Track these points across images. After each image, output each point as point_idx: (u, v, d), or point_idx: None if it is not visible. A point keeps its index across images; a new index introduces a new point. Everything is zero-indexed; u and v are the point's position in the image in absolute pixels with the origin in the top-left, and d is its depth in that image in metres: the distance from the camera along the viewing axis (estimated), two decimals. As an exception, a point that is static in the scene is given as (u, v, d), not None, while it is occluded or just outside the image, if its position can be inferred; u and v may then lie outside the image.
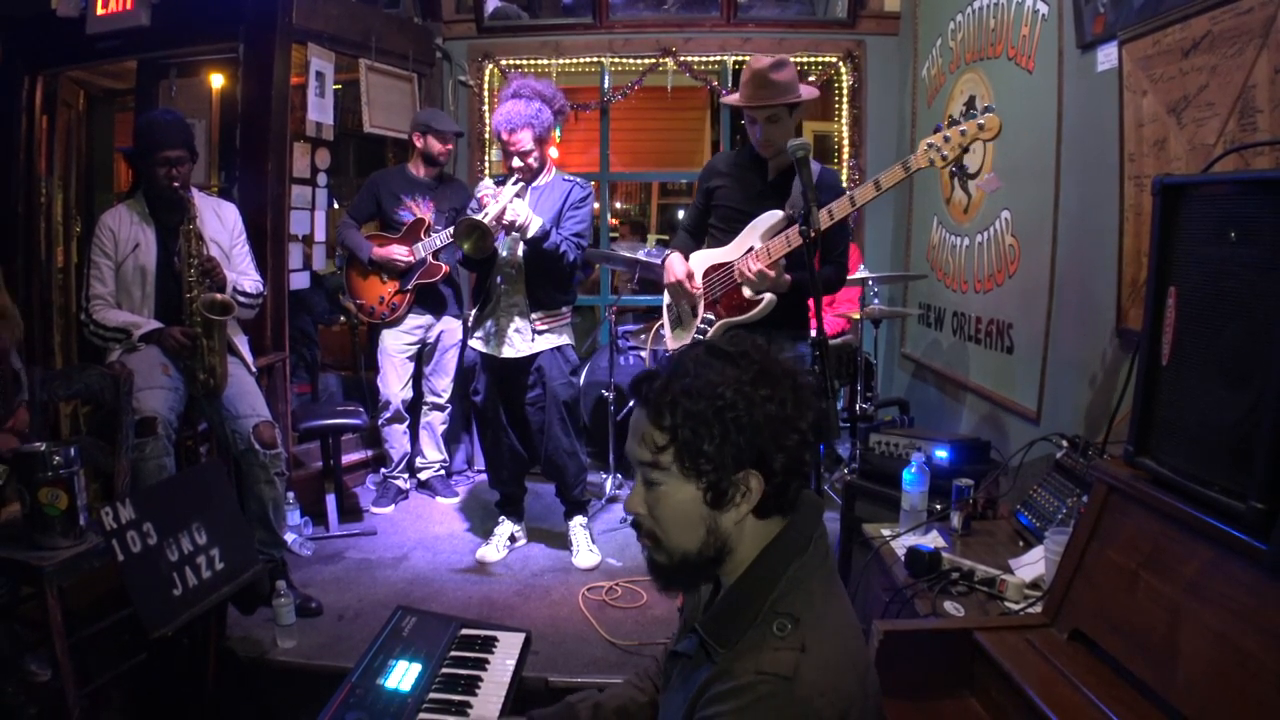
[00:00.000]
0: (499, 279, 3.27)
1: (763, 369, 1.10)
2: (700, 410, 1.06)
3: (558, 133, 3.29)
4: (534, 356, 3.27)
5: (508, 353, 3.27)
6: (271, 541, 2.99)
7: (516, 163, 3.15)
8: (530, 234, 3.06)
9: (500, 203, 3.04)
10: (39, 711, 2.29)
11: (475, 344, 3.36)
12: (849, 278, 3.76)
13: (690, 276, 2.90)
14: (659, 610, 3.01)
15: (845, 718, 1.02)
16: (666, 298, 3.03)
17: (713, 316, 2.87)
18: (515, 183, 3.15)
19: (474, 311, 3.37)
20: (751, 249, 2.75)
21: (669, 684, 1.21)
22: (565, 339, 3.35)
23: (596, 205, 3.68)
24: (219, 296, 2.89)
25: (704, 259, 2.93)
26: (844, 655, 1.07)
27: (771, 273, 2.67)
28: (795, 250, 2.65)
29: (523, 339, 3.26)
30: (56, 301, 4.44)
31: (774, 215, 2.75)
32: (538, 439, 3.35)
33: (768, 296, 2.75)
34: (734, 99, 2.81)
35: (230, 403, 2.92)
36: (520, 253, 3.20)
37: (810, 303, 3.05)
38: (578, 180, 3.30)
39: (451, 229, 3.80)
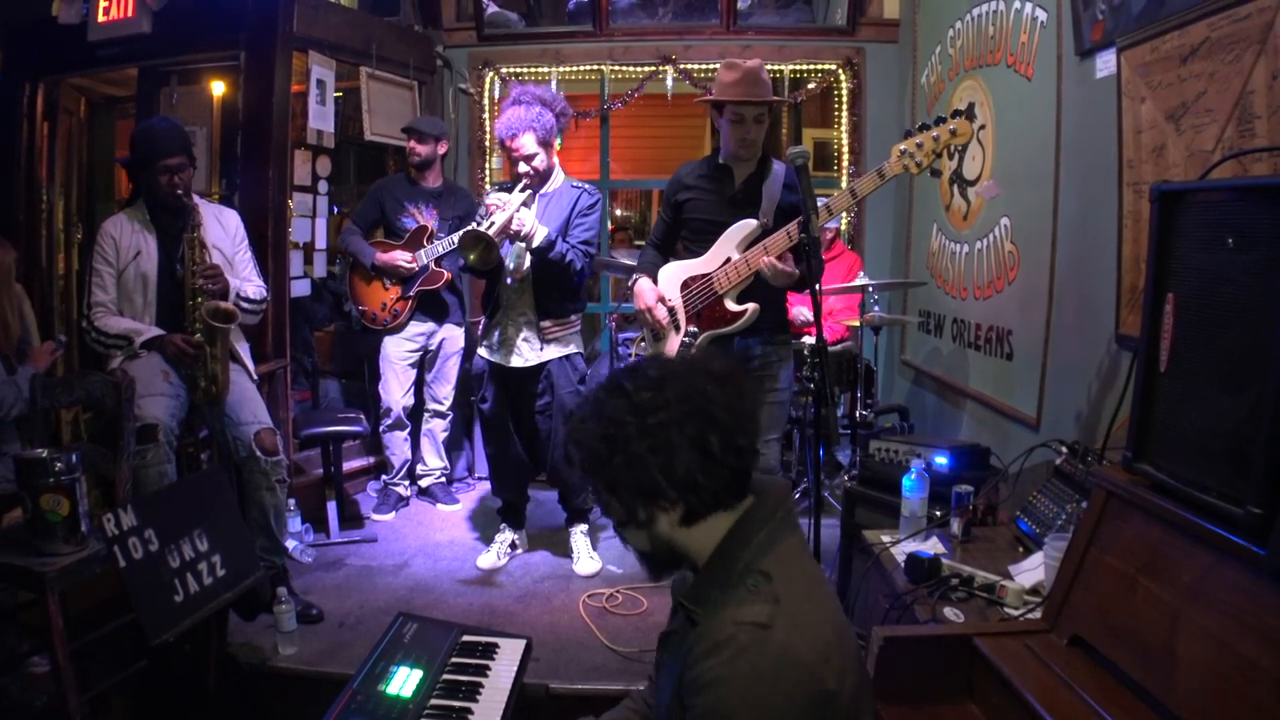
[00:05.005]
0: (506, 288, 3.24)
1: (653, 398, 1.13)
2: (584, 470, 1.19)
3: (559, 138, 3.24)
4: (543, 365, 3.24)
5: (516, 362, 3.23)
6: (272, 548, 2.98)
7: (522, 168, 3.12)
8: (535, 243, 3.02)
9: (507, 212, 2.99)
10: (46, 703, 2.29)
11: (483, 352, 3.32)
12: (849, 284, 3.81)
13: (661, 300, 2.90)
14: (660, 617, 3.00)
15: (828, 662, 1.06)
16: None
17: (696, 329, 2.88)
18: (523, 189, 3.10)
19: (483, 320, 3.34)
20: (729, 260, 2.77)
21: (660, 668, 1.25)
22: (574, 347, 3.31)
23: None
24: (222, 304, 2.88)
25: (680, 271, 2.93)
26: (817, 607, 1.13)
27: (785, 267, 2.64)
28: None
29: (531, 348, 3.23)
30: (58, 309, 4.45)
31: (748, 224, 2.78)
32: (545, 446, 3.34)
33: (751, 306, 2.78)
34: (723, 94, 2.72)
35: (232, 410, 2.92)
36: (527, 263, 3.17)
37: (788, 305, 3.10)
38: (586, 187, 3.26)
39: (455, 235, 3.81)
